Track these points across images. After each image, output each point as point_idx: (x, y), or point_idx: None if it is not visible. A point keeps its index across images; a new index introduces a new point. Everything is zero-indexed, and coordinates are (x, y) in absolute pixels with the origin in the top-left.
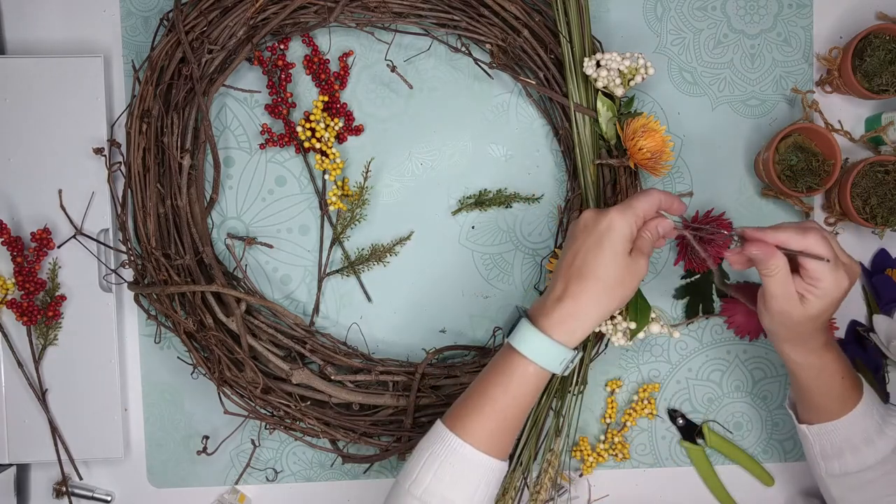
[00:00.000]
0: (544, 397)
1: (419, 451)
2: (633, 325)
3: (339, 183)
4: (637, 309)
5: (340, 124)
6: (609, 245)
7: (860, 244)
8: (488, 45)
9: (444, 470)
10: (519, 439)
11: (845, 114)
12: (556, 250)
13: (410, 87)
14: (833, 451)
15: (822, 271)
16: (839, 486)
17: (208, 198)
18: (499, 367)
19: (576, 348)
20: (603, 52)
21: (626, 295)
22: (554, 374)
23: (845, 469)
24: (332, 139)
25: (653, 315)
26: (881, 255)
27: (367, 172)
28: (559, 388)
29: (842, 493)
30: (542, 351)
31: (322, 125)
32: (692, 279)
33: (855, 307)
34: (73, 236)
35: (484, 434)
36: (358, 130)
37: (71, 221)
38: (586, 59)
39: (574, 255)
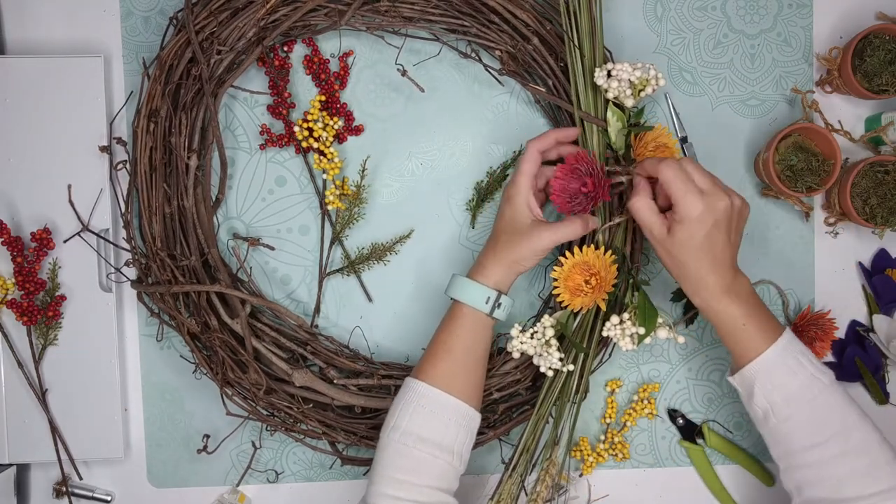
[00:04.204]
0: (543, 404)
1: (394, 404)
2: (641, 331)
3: (338, 182)
4: (645, 314)
5: (340, 124)
6: (507, 214)
7: (860, 244)
8: (497, 52)
9: (416, 413)
10: (516, 447)
11: (845, 114)
12: (559, 258)
13: (422, 90)
14: (754, 397)
15: (677, 196)
16: (772, 437)
17: (214, 198)
18: (444, 318)
19: (500, 292)
20: (613, 62)
21: (524, 255)
22: (493, 318)
23: (768, 416)
24: (331, 139)
25: (660, 320)
26: (881, 255)
27: (363, 171)
28: (559, 396)
29: (776, 446)
30: (466, 291)
31: (320, 125)
32: None
33: (855, 307)
34: (80, 232)
35: (441, 375)
36: (358, 130)
37: (78, 217)
38: (597, 70)
39: (493, 224)
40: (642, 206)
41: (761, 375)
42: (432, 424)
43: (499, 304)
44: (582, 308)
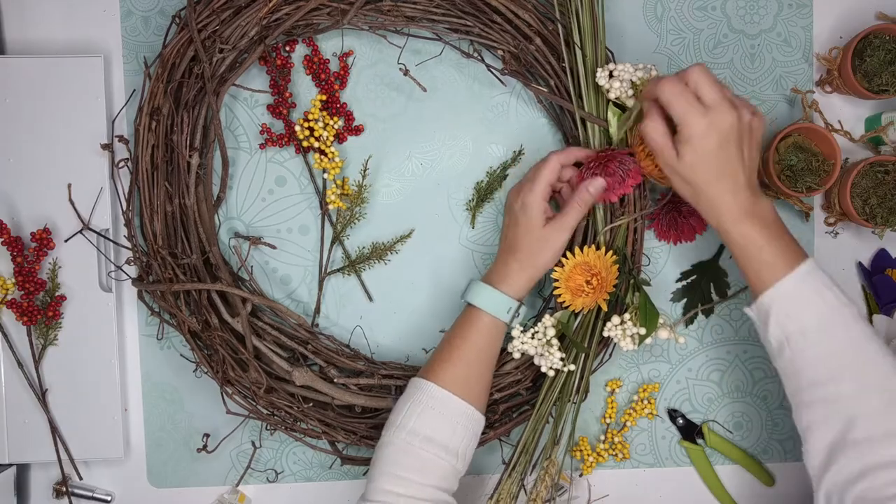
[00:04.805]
0: (543, 404)
1: (400, 403)
2: (642, 331)
3: (339, 182)
4: (646, 315)
5: (340, 124)
6: (523, 222)
7: (860, 244)
8: (500, 52)
9: (426, 413)
10: (516, 447)
11: (845, 114)
12: (561, 259)
13: (424, 89)
14: (769, 326)
15: (678, 115)
16: (785, 371)
17: (215, 196)
18: (459, 322)
19: (521, 302)
20: (615, 63)
21: (546, 260)
22: (508, 326)
23: (783, 347)
24: (331, 138)
25: (661, 320)
26: (881, 255)
27: (365, 171)
28: (559, 396)
29: (788, 381)
30: (489, 300)
31: (321, 124)
32: (690, 280)
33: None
34: (81, 230)
35: (454, 379)
36: (358, 130)
37: (78, 215)
38: (599, 70)
39: (504, 230)
40: (651, 129)
41: (777, 304)
42: (441, 426)
43: (517, 314)
44: (583, 308)
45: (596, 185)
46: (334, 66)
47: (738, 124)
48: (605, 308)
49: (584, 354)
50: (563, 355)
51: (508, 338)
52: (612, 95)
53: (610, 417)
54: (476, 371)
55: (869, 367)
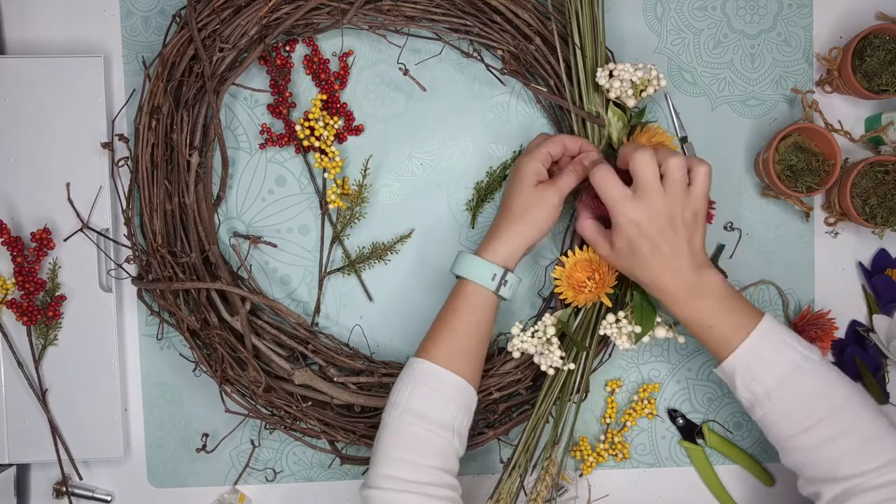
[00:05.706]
0: (543, 403)
1: (396, 383)
2: (638, 329)
3: (339, 181)
4: (642, 313)
5: (340, 123)
6: (516, 182)
7: (860, 244)
8: (499, 52)
9: (417, 389)
10: (516, 446)
11: (845, 114)
12: (561, 257)
13: (424, 89)
14: (737, 389)
15: (608, 206)
16: (762, 425)
17: (215, 196)
18: (450, 296)
19: (509, 270)
20: (615, 62)
21: (534, 221)
22: (499, 296)
23: (754, 406)
24: (332, 137)
25: (658, 319)
26: (881, 255)
27: (365, 170)
28: (559, 396)
29: (767, 433)
30: (473, 268)
31: (321, 124)
32: None
33: (855, 307)
34: (80, 229)
35: (443, 352)
36: (358, 130)
37: (78, 215)
38: (599, 70)
39: (503, 195)
40: (581, 226)
41: (739, 371)
42: (432, 401)
43: (505, 282)
44: (585, 303)
45: (591, 157)
46: (334, 65)
47: (669, 206)
48: (607, 303)
49: (584, 353)
50: (563, 354)
51: (508, 337)
52: (612, 95)
53: (610, 417)
54: (466, 344)
55: (840, 412)
